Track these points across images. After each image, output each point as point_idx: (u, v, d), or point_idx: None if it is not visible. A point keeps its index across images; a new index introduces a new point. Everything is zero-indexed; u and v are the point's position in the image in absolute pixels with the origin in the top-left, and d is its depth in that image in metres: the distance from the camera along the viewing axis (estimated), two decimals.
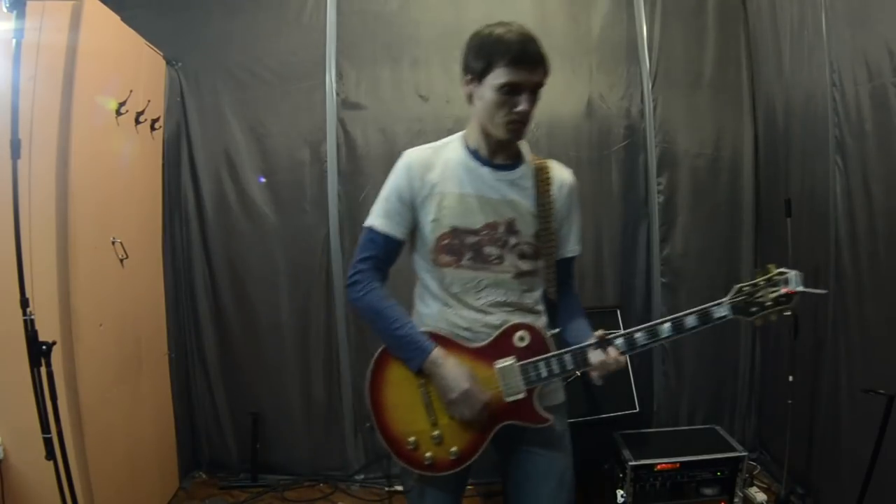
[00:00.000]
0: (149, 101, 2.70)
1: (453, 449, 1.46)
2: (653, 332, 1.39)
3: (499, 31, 1.40)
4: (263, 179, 3.16)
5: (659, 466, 2.56)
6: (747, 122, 3.26)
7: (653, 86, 3.20)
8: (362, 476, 3.18)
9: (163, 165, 3.00)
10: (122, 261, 2.50)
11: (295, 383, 3.20)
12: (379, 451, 3.14)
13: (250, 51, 3.15)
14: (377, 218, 1.49)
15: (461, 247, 1.46)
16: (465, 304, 1.48)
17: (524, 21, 3.51)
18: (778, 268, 1.36)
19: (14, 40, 1.66)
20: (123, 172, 2.58)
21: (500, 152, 1.50)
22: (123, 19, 2.50)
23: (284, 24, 3.16)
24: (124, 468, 2.48)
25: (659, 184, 3.21)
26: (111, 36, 2.45)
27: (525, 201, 1.49)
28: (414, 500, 1.53)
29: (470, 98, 1.47)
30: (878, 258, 2.23)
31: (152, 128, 2.82)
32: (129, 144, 2.62)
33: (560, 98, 3.17)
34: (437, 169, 1.48)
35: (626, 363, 1.39)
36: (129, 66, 2.60)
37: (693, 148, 3.23)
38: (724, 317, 1.37)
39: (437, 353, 1.42)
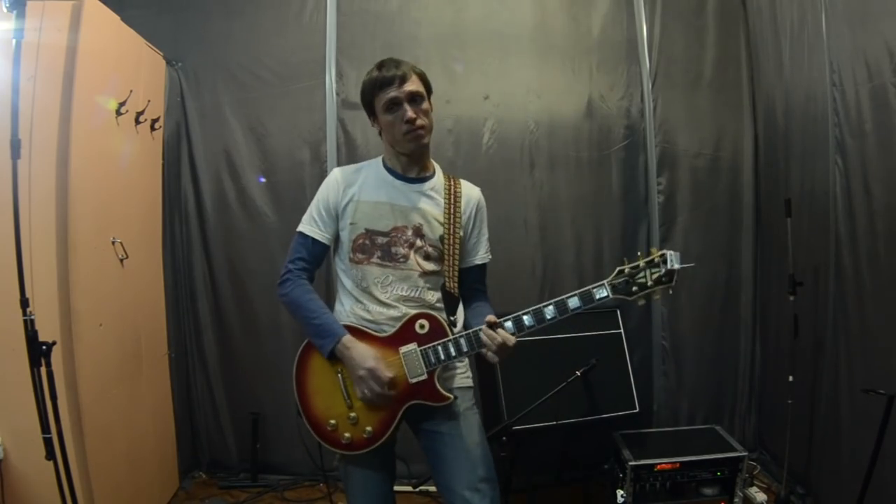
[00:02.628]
0: (149, 101, 2.71)
1: (368, 428, 1.63)
2: (538, 314, 1.55)
3: (372, 72, 1.65)
4: (263, 179, 3.16)
5: (659, 466, 2.56)
6: (747, 122, 3.26)
7: (653, 86, 3.20)
8: None
9: (163, 165, 3.01)
10: (122, 261, 2.50)
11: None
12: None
13: (250, 51, 3.15)
14: (306, 224, 1.72)
15: (372, 246, 1.66)
16: (374, 299, 1.66)
17: (524, 21, 3.53)
18: (659, 251, 1.47)
19: (14, 40, 1.66)
20: (123, 172, 2.58)
21: (412, 167, 1.71)
22: (123, 19, 2.50)
23: (284, 24, 3.16)
24: (124, 468, 2.48)
25: (659, 184, 3.21)
26: (111, 36, 2.45)
27: (434, 209, 1.70)
28: (343, 479, 1.71)
29: (380, 133, 1.73)
30: (878, 258, 2.23)
31: (152, 128, 2.82)
32: (129, 144, 2.62)
33: (560, 98, 3.18)
34: (358, 182, 1.70)
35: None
36: (129, 66, 2.60)
37: (693, 148, 3.23)
38: (605, 297, 1.51)
39: (347, 338, 1.60)
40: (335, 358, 1.62)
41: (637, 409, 2.74)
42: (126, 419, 2.51)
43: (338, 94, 3.13)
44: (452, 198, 1.71)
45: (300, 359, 1.72)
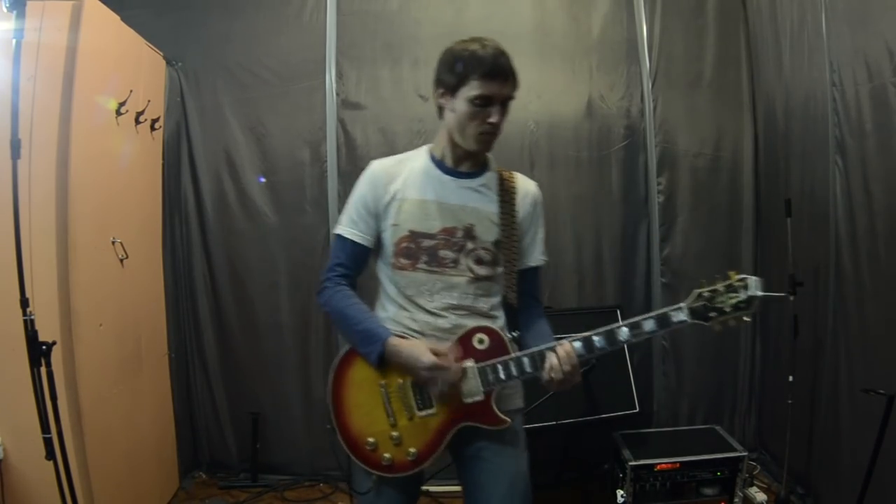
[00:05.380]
0: (149, 101, 2.70)
1: (412, 450, 1.47)
2: (611, 336, 1.40)
3: (473, 46, 1.44)
4: (263, 179, 3.16)
5: (659, 466, 2.56)
6: (747, 122, 3.26)
7: (653, 86, 3.20)
8: None
9: (163, 165, 3.00)
10: (122, 261, 2.50)
11: (295, 383, 3.20)
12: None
13: (250, 51, 3.15)
14: (344, 226, 1.55)
15: (417, 250, 1.49)
16: (419, 307, 1.51)
17: (524, 21, 3.53)
18: (738, 274, 1.34)
19: (14, 40, 1.66)
20: (123, 172, 2.58)
21: (465, 161, 1.55)
22: (123, 19, 2.50)
23: (284, 24, 3.16)
24: (124, 468, 2.48)
25: (659, 184, 3.21)
26: (111, 36, 2.45)
27: (487, 208, 1.53)
28: (371, 500, 1.53)
29: (441, 110, 1.52)
30: (878, 258, 2.23)
31: (152, 128, 2.82)
32: (129, 144, 2.62)
33: (560, 98, 3.18)
34: (401, 178, 1.53)
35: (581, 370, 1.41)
36: (129, 66, 2.60)
37: (693, 148, 3.23)
38: (683, 322, 1.36)
39: (394, 339, 1.44)
40: (384, 366, 1.46)
41: (637, 410, 2.74)
42: (126, 419, 2.51)
43: (338, 94, 3.13)
44: (507, 194, 1.54)
45: (338, 369, 1.53)
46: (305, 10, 3.16)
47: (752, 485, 2.85)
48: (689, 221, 3.23)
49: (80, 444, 2.15)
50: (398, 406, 1.48)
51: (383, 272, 1.57)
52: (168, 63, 3.01)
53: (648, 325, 1.37)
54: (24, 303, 1.70)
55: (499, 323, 1.55)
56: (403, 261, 1.50)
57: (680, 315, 1.36)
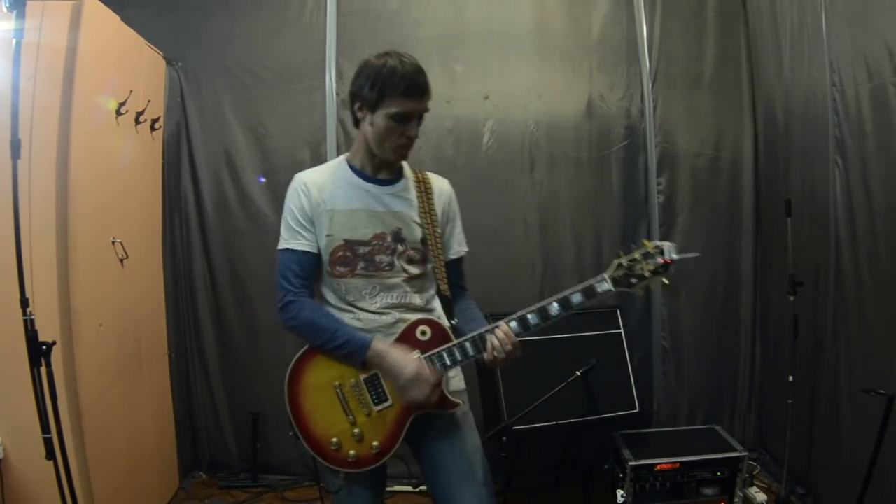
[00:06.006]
0: (149, 101, 2.71)
1: (374, 443, 1.55)
2: (543, 312, 1.49)
3: (392, 62, 1.49)
4: (263, 179, 3.16)
5: (659, 466, 2.56)
6: (747, 122, 3.26)
7: (653, 86, 3.20)
8: None
9: (163, 165, 3.00)
10: (122, 261, 2.50)
11: None
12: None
13: (250, 51, 3.15)
14: (287, 240, 1.58)
15: (354, 258, 1.57)
16: (361, 309, 1.58)
17: (524, 21, 3.53)
18: (652, 242, 1.46)
19: (14, 40, 1.66)
20: (123, 172, 2.58)
21: (383, 169, 1.63)
22: (123, 19, 2.50)
23: (284, 24, 3.16)
24: (124, 468, 2.48)
25: (659, 184, 3.21)
26: (111, 36, 2.45)
27: (409, 211, 1.62)
28: (342, 499, 1.60)
29: (356, 121, 1.58)
30: (878, 258, 2.23)
31: (152, 128, 2.82)
32: (129, 144, 2.62)
33: (560, 98, 3.18)
34: (327, 189, 1.59)
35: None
36: (129, 66, 2.60)
37: (693, 148, 3.23)
38: (608, 290, 1.47)
39: (378, 343, 1.52)
40: (366, 366, 1.54)
41: (637, 409, 2.74)
42: (126, 419, 2.51)
43: (338, 94, 3.13)
44: (424, 195, 1.63)
45: (291, 376, 1.61)
46: (305, 11, 3.16)
47: (752, 485, 2.85)
48: (689, 221, 3.23)
49: (80, 444, 2.15)
50: (355, 404, 1.56)
51: (319, 280, 1.62)
52: (168, 63, 3.01)
53: (576, 298, 1.48)
54: (24, 303, 1.70)
55: (436, 314, 1.65)
56: (341, 269, 1.57)
57: (604, 285, 1.47)
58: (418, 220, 1.62)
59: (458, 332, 1.60)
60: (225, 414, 3.22)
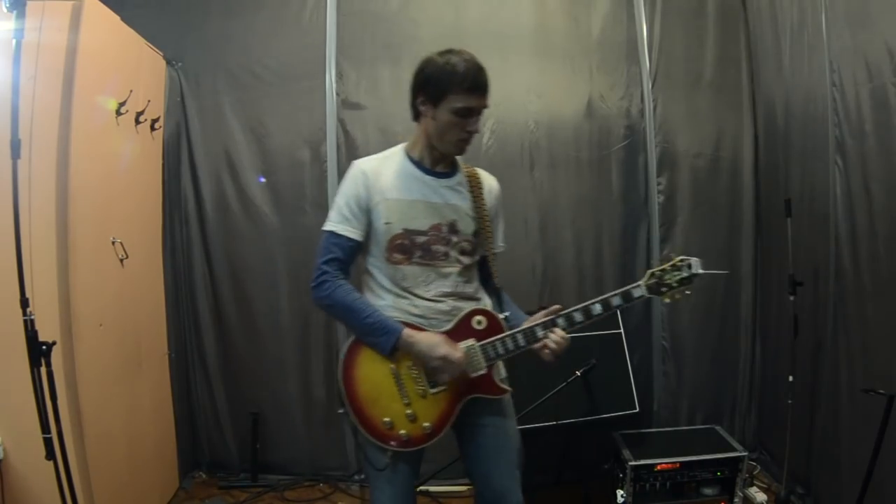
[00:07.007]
0: (149, 101, 2.70)
1: (425, 424, 1.62)
2: (587, 311, 1.61)
3: (454, 59, 1.57)
4: (263, 179, 3.16)
5: (659, 466, 2.56)
6: (747, 122, 3.26)
7: (653, 86, 3.20)
8: (362, 476, 3.17)
9: (163, 165, 3.00)
10: (122, 261, 2.50)
11: (295, 383, 3.20)
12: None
13: (250, 51, 3.15)
14: (336, 223, 1.64)
15: (412, 246, 1.63)
16: (417, 296, 1.65)
17: (524, 21, 3.53)
18: (679, 256, 1.62)
19: (14, 40, 1.66)
20: (123, 172, 2.58)
21: (440, 163, 1.70)
22: (123, 19, 2.50)
23: (284, 24, 3.16)
24: (124, 468, 2.48)
25: (659, 184, 3.21)
26: (111, 36, 2.45)
27: (463, 204, 1.69)
28: (387, 476, 1.65)
29: (417, 115, 1.66)
30: (878, 258, 2.23)
31: (152, 128, 2.82)
32: (129, 144, 2.62)
33: (560, 98, 3.18)
34: (387, 177, 1.65)
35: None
36: (129, 66, 2.60)
37: (693, 148, 3.23)
38: (642, 296, 1.61)
39: (407, 331, 1.58)
40: (395, 354, 1.61)
41: (637, 409, 2.74)
42: (126, 419, 2.51)
43: (338, 94, 3.13)
44: (476, 190, 1.72)
45: (347, 359, 1.66)
46: (305, 10, 3.15)
47: (752, 485, 2.85)
48: (689, 221, 3.23)
49: (80, 444, 2.15)
50: (411, 386, 1.62)
51: (374, 266, 1.68)
52: (168, 63, 3.01)
53: (616, 301, 1.60)
54: (24, 303, 1.70)
55: (485, 304, 1.74)
56: (398, 256, 1.63)
57: (639, 291, 1.61)
58: (472, 213, 1.69)
59: (510, 323, 1.69)
60: (225, 414, 3.22)
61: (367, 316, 1.59)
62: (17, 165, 1.66)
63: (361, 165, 1.68)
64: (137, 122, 2.65)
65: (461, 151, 1.68)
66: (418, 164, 1.68)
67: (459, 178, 1.72)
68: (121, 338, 2.52)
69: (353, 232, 1.63)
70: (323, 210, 3.13)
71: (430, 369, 1.60)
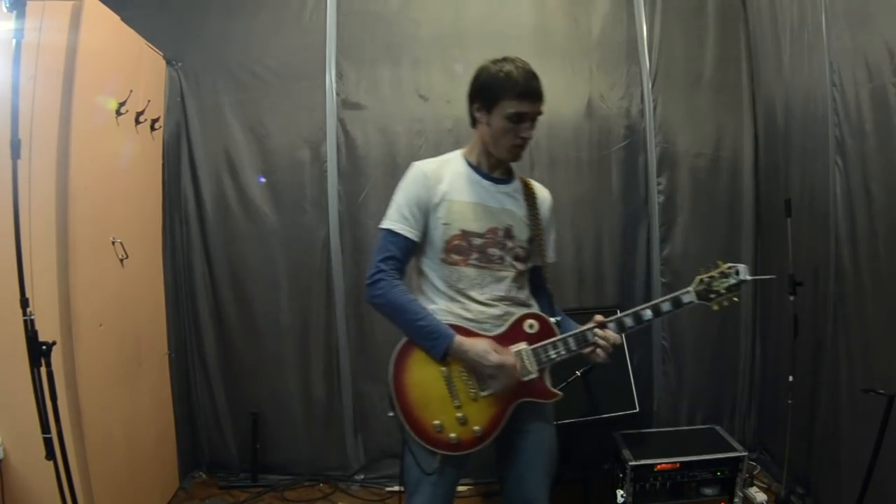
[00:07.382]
0: (149, 101, 2.71)
1: (476, 428, 1.62)
2: (637, 316, 1.65)
3: (508, 67, 1.61)
4: (263, 179, 3.16)
5: (659, 466, 2.56)
6: (747, 122, 3.26)
7: (653, 86, 3.20)
8: (362, 476, 3.18)
9: (163, 165, 3.00)
10: (122, 261, 2.50)
11: (295, 383, 3.20)
12: (383, 450, 3.15)
13: (250, 51, 3.15)
14: (395, 222, 1.65)
15: (469, 248, 1.65)
16: (470, 299, 1.65)
17: (524, 21, 3.53)
18: (726, 263, 1.64)
19: (14, 40, 1.66)
20: (123, 172, 2.58)
21: (497, 168, 1.72)
22: (123, 19, 2.50)
23: (284, 24, 3.16)
24: (124, 468, 2.48)
25: (659, 184, 3.21)
26: (111, 36, 2.45)
27: (519, 211, 1.72)
28: (434, 479, 1.63)
29: (474, 121, 1.69)
30: (878, 258, 2.22)
31: (152, 128, 2.82)
32: (129, 144, 2.62)
33: (560, 98, 3.17)
34: (446, 179, 1.67)
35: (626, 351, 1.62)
36: (129, 66, 2.60)
37: (693, 148, 3.23)
38: (691, 302, 1.64)
39: (459, 337, 1.59)
40: (446, 359, 1.61)
41: (637, 409, 2.74)
42: (126, 419, 2.51)
43: (338, 94, 3.13)
44: (531, 199, 1.75)
45: (398, 360, 1.65)
46: (305, 10, 3.15)
47: (752, 485, 2.85)
48: (689, 221, 3.23)
49: (80, 444, 2.15)
50: (462, 389, 1.63)
51: (429, 267, 1.69)
52: (168, 63, 3.01)
53: (666, 307, 1.65)
54: (24, 303, 1.70)
55: (536, 309, 1.74)
56: (455, 257, 1.65)
57: (689, 296, 1.64)
58: (527, 221, 1.72)
59: (561, 328, 1.71)
60: (225, 414, 3.22)
61: (420, 319, 1.60)
62: (17, 165, 1.66)
63: (422, 167, 1.69)
64: (137, 122, 2.65)
65: (515, 157, 1.69)
66: (476, 168, 1.71)
67: (516, 185, 1.75)
68: (121, 338, 2.52)
69: (410, 232, 1.64)
70: (323, 210, 3.14)
71: (484, 377, 1.60)
